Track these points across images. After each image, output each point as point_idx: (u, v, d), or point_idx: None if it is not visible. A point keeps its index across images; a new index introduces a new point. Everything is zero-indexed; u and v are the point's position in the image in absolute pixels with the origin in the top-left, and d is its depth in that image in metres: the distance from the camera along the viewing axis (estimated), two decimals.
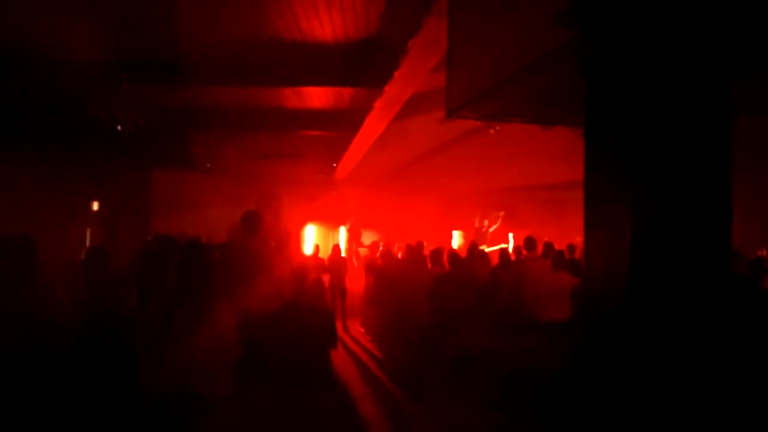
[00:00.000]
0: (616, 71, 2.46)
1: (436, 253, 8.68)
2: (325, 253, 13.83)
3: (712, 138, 2.44)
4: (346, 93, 10.07)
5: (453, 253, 8.11)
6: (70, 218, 10.70)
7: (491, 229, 19.37)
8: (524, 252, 8.25)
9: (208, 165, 14.05)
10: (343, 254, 13.70)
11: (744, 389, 3.01)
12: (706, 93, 2.44)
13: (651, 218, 2.35)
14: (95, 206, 12.23)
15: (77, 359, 3.00)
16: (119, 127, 8.50)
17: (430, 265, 8.63)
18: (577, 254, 9.23)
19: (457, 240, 19.36)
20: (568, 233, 13.93)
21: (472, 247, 9.19)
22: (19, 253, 3.14)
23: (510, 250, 10.84)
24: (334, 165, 16.18)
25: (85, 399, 3.01)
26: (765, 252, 9.68)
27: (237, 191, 16.17)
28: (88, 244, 11.20)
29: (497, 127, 11.45)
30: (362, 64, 8.37)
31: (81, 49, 7.59)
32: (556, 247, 8.48)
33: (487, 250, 13.63)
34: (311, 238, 18.80)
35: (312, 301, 5.48)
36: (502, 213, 19.36)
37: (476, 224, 19.46)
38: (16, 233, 3.22)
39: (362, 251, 17.73)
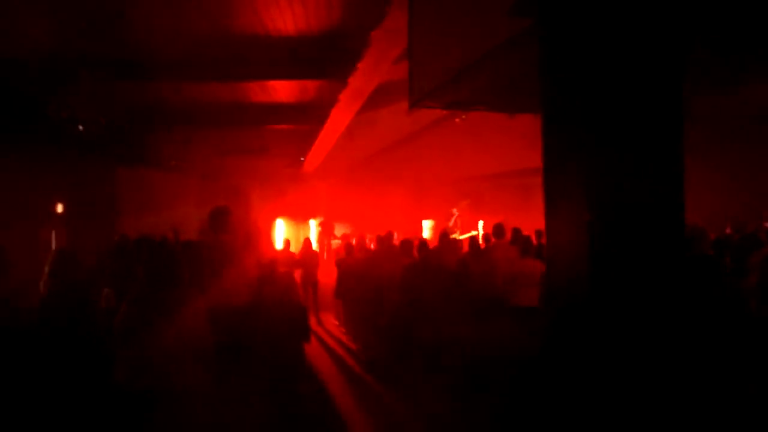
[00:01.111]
0: (569, 57, 2.52)
1: (406, 243, 8.74)
2: (296, 247, 13.79)
3: (664, 120, 2.52)
4: (310, 86, 10.05)
5: (421, 242, 8.17)
6: (34, 221, 10.48)
7: (454, 218, 19.45)
8: (492, 239, 8.35)
9: (174, 162, 13.89)
10: (314, 247, 13.68)
11: (707, 366, 3.11)
12: (658, 75, 2.51)
13: (607, 203, 2.41)
14: (59, 208, 12.00)
15: (50, 360, 2.98)
16: (81, 127, 8.34)
17: (400, 255, 8.69)
18: (545, 239, 9.38)
19: (427, 229, 19.47)
20: (537, 219, 14.12)
21: (443, 236, 9.28)
22: None
23: (480, 237, 10.98)
24: (302, 158, 16.13)
25: (59, 398, 2.99)
26: (729, 230, 9.91)
27: (204, 188, 16.03)
28: (53, 246, 10.98)
29: (463, 116, 11.52)
30: (326, 56, 8.35)
31: (39, 46, 7.44)
32: (525, 233, 8.61)
33: (459, 237, 13.75)
34: (282, 233, 18.73)
35: (283, 295, 5.49)
36: (466, 201, 19.49)
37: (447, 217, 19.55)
38: None
39: (335, 243, 17.73)
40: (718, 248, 6.67)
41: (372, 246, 12.41)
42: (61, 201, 11.67)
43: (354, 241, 12.71)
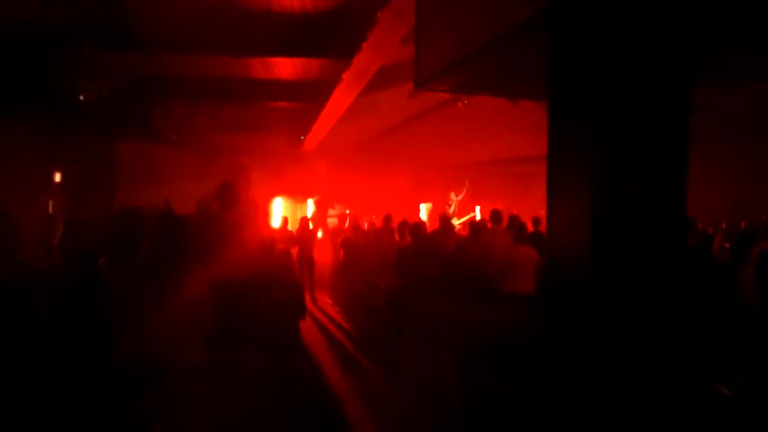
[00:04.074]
0: (581, 45, 2.52)
1: (402, 226, 8.77)
2: (293, 226, 13.80)
3: (672, 111, 2.53)
4: (314, 64, 10.00)
5: (415, 225, 8.17)
6: (32, 189, 10.47)
7: (458, 198, 19.45)
8: (489, 225, 8.37)
9: (174, 136, 13.84)
10: (311, 226, 13.70)
11: (698, 354, 3.15)
12: (669, 67, 2.52)
13: (610, 193, 2.43)
14: (58, 177, 11.98)
15: (54, 329, 3.00)
16: (82, 96, 8.29)
17: (398, 238, 8.72)
18: (542, 227, 9.40)
19: (425, 212, 19.48)
20: (534, 206, 14.15)
21: (444, 220, 9.30)
22: None
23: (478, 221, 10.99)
24: (302, 137, 16.09)
25: (60, 369, 3.01)
26: (724, 225, 9.96)
27: (203, 163, 16.00)
28: (51, 215, 10.98)
29: (465, 101, 11.48)
30: (330, 35, 8.30)
31: (42, 15, 7.36)
32: (523, 219, 8.63)
33: (457, 222, 13.78)
34: (279, 211, 18.72)
35: (280, 272, 5.52)
36: (465, 186, 19.49)
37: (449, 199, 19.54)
38: None
39: (331, 222, 17.72)
40: (705, 241, 6.72)
41: (366, 227, 12.43)
42: (59, 170, 11.65)
43: (347, 222, 12.74)
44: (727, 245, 6.76)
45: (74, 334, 3.06)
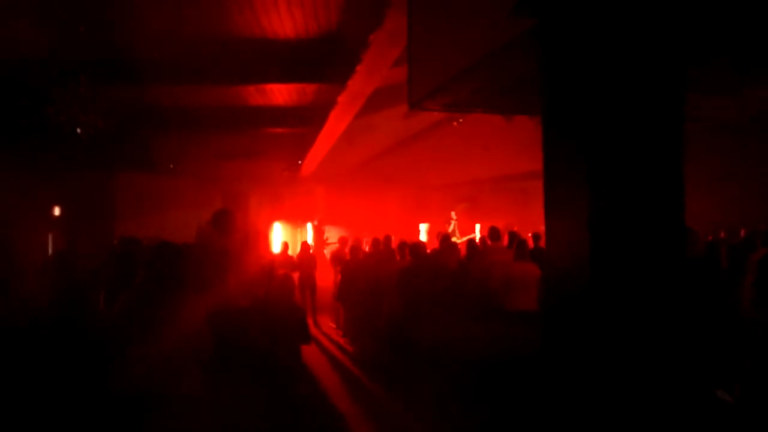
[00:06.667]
0: (571, 60, 2.53)
1: (402, 246, 8.76)
2: (294, 251, 13.80)
3: (665, 123, 2.53)
4: (309, 89, 10.07)
5: (415, 245, 8.16)
6: (31, 223, 10.48)
7: (457, 217, 19.49)
8: (488, 242, 8.36)
9: (172, 166, 13.89)
10: (311, 250, 13.70)
11: (699, 365, 3.12)
12: (659, 78, 2.53)
13: (608, 207, 2.42)
14: (57, 211, 12.00)
15: (48, 361, 2.98)
16: (79, 130, 8.34)
17: (398, 258, 8.71)
18: (542, 243, 9.38)
19: (424, 232, 19.49)
20: (534, 222, 14.14)
21: (444, 239, 9.29)
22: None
23: (477, 240, 10.99)
24: (300, 162, 16.14)
25: (54, 401, 2.98)
26: (723, 234, 9.96)
27: (202, 192, 16.05)
28: (50, 249, 10.99)
29: (460, 120, 11.55)
30: (324, 59, 8.38)
31: (38, 50, 7.44)
32: (523, 236, 8.61)
33: (457, 241, 13.77)
34: (279, 236, 18.75)
35: (282, 297, 5.49)
36: (464, 205, 19.54)
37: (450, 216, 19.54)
38: None
39: (331, 246, 17.73)
40: (713, 251, 6.70)
41: (367, 249, 12.42)
42: (59, 204, 11.68)
43: (349, 243, 12.71)
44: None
45: (67, 367, 3.03)
